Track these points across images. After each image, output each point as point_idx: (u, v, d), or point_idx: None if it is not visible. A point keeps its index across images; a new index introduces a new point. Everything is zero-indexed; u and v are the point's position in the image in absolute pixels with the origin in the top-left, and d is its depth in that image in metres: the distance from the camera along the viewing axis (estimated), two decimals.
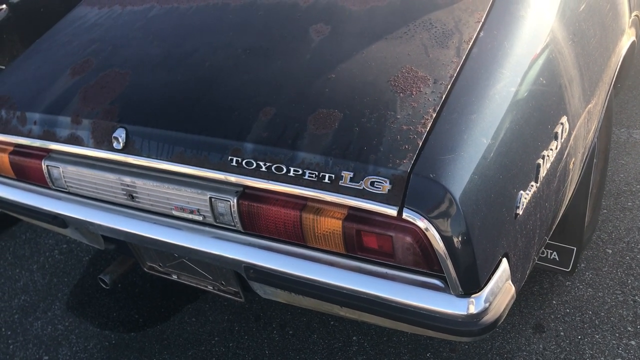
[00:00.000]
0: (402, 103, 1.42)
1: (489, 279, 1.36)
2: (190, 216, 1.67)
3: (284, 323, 2.52)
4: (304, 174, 1.40)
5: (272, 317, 2.56)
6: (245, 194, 1.55)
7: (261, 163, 1.46)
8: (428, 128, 1.36)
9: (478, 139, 1.35)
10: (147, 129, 1.65)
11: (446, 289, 1.35)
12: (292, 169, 1.42)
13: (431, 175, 1.29)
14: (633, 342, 2.19)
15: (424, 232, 1.30)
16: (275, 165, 1.44)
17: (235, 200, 1.55)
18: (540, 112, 1.54)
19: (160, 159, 1.63)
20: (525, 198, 1.44)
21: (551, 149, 1.55)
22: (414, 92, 1.44)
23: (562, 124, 1.60)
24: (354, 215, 1.40)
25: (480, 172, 1.33)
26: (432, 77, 1.46)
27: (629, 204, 2.80)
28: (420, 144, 1.33)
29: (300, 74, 1.59)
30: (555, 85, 1.60)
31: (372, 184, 1.33)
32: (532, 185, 1.47)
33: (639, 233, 2.62)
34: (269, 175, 1.46)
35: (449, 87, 1.43)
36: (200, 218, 1.65)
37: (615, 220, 2.71)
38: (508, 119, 1.43)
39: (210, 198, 1.59)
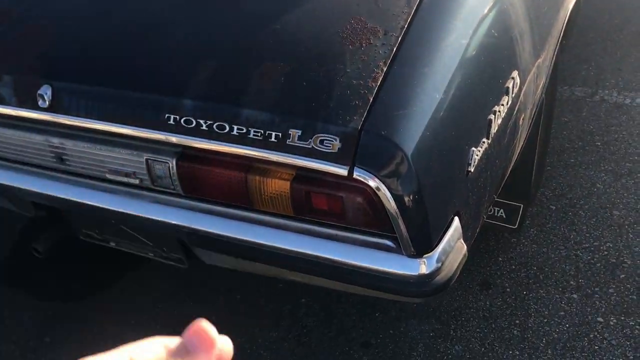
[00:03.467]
0: (351, 56, 1.34)
1: (441, 238, 1.32)
2: (125, 179, 1.56)
3: (231, 288, 2.46)
4: (248, 132, 1.32)
5: (219, 283, 2.49)
6: (185, 155, 1.45)
7: (201, 121, 1.36)
8: (379, 83, 1.29)
9: (430, 94, 1.29)
10: (75, 85, 1.52)
11: (397, 249, 1.31)
12: (235, 127, 1.33)
13: (382, 133, 1.22)
14: (575, 296, 2.24)
15: (375, 192, 1.24)
16: (216, 124, 1.35)
17: (174, 162, 1.45)
18: (492, 66, 1.50)
19: (91, 118, 1.50)
20: (477, 155, 1.40)
21: (502, 104, 1.51)
22: (363, 44, 1.36)
23: (513, 78, 1.56)
24: (303, 176, 1.32)
25: (432, 128, 1.27)
26: (383, 29, 1.38)
27: (572, 160, 2.83)
28: (371, 99, 1.26)
29: (241, 24, 1.49)
30: (506, 38, 1.55)
31: (321, 142, 1.25)
32: (484, 142, 1.43)
33: (581, 189, 2.66)
34: (210, 135, 1.36)
35: (399, 39, 1.36)
36: (137, 182, 1.55)
37: (558, 177, 2.74)
38: (460, 72, 1.37)
39: (147, 160, 1.49)
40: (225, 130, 1.34)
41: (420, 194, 1.24)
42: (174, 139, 1.40)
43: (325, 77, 1.32)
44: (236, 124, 1.33)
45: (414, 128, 1.24)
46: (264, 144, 1.31)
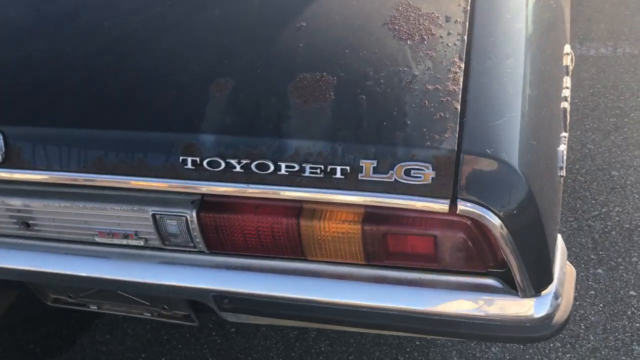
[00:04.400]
0: (414, 53, 1.05)
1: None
2: (125, 242, 1.20)
3: (221, 321, 2.13)
4: (302, 169, 1.01)
5: (205, 316, 2.15)
6: (207, 203, 1.11)
7: (233, 161, 1.03)
8: (461, 85, 1.01)
9: (524, 91, 1.03)
10: (39, 129, 1.14)
11: (506, 289, 1.06)
12: (283, 165, 1.01)
13: (488, 151, 0.95)
14: (600, 271, 2.10)
15: (482, 226, 0.97)
16: (256, 163, 1.02)
17: (193, 214, 1.11)
18: (555, 44, 1.26)
19: (64, 171, 1.13)
20: (564, 154, 1.16)
21: (567, 87, 1.27)
22: (425, 37, 1.07)
23: (568, 54, 1.32)
24: (375, 215, 1.03)
25: (533, 134, 1.02)
26: (442, 14, 1.10)
27: None
28: (459, 108, 0.99)
29: (255, 25, 1.15)
30: (559, 7, 1.32)
31: (407, 172, 0.97)
32: (564, 137, 1.19)
33: (573, 153, 2.52)
34: (247, 178, 1.04)
35: (467, 25, 1.08)
36: (141, 243, 1.20)
37: None
38: (538, 58, 1.12)
39: (154, 215, 1.14)
40: (270, 170, 1.02)
41: (538, 218, 0.99)
42: (204, 187, 1.06)
43: (389, 85, 1.02)
44: (284, 161, 1.01)
45: (518, 138, 0.98)
46: (327, 182, 1.00)
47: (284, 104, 1.04)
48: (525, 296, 1.04)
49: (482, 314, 1.05)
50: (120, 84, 1.13)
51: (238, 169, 1.03)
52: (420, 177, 0.96)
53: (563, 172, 1.14)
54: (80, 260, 1.27)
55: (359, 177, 0.99)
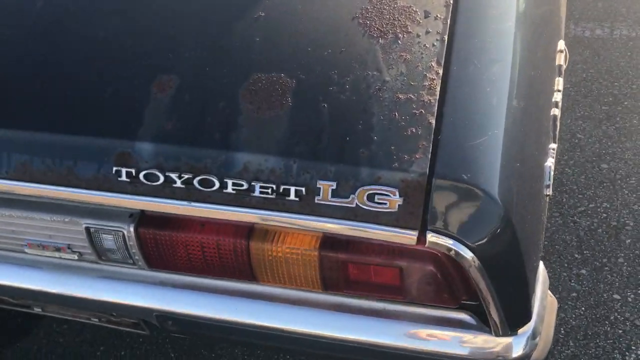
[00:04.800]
0: (386, 54, 0.91)
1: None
2: (56, 255, 1.07)
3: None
4: (252, 188, 0.87)
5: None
6: (145, 216, 0.98)
7: (173, 175, 0.89)
8: (438, 95, 0.87)
9: (510, 104, 0.90)
10: None
11: (479, 327, 0.94)
12: (230, 182, 0.88)
13: (464, 177, 0.82)
14: (584, 271, 2.00)
15: (454, 259, 0.85)
16: (199, 178, 0.89)
17: (131, 229, 0.98)
18: (548, 42, 1.12)
19: None
20: (552, 169, 1.03)
21: (559, 90, 1.14)
22: (400, 35, 0.93)
23: (561, 51, 1.19)
24: (335, 240, 0.91)
25: (518, 154, 0.89)
26: (421, 8, 0.95)
27: None
28: (434, 123, 0.85)
29: (206, 13, 1.00)
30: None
31: (370, 197, 0.84)
32: (553, 150, 1.06)
33: (562, 142, 2.40)
34: (190, 195, 0.90)
35: (449, 23, 0.94)
36: (74, 257, 1.06)
37: None
38: (529, 63, 0.98)
39: (88, 228, 1.00)
40: (214, 188, 0.89)
41: (518, 252, 0.87)
42: (136, 202, 0.92)
43: (356, 93, 0.88)
44: (231, 177, 0.88)
45: (499, 160, 0.85)
46: (279, 204, 0.87)
47: (234, 110, 0.90)
48: (499, 335, 0.92)
49: (452, 351, 0.93)
50: (47, 79, 0.97)
51: (179, 184, 0.89)
52: (385, 203, 0.83)
53: (549, 191, 1.01)
54: (9, 269, 1.13)
55: (316, 200, 0.85)
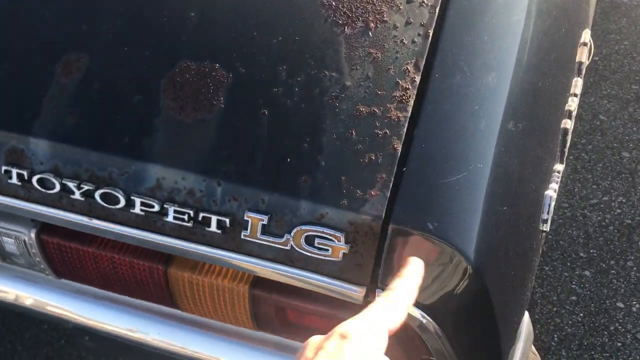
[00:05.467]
0: (350, 50, 0.71)
1: None
2: None
3: None
4: (164, 212, 0.69)
5: None
6: (50, 225, 0.81)
7: (71, 185, 0.71)
8: (410, 111, 0.67)
9: (504, 127, 0.69)
10: None
11: None
12: (138, 200, 0.69)
13: (430, 226, 0.63)
14: (587, 273, 1.82)
15: (410, 325, 0.67)
16: (102, 191, 0.70)
17: (32, 235, 0.81)
18: (569, 37, 0.90)
19: None
20: (553, 199, 0.83)
21: (575, 95, 0.92)
22: (371, 25, 0.72)
23: (585, 44, 0.96)
24: (268, 280, 0.73)
25: (507, 194, 0.69)
26: None
27: None
28: (400, 149, 0.65)
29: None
30: None
31: (309, 241, 0.65)
32: (558, 173, 0.86)
33: (582, 123, 2.17)
34: (91, 210, 0.72)
35: (437, 11, 0.72)
36: None
37: None
38: (539, 70, 0.77)
39: None
40: (119, 205, 0.70)
41: (493, 320, 0.69)
42: (29, 210, 0.75)
43: (306, 99, 0.68)
44: (140, 195, 0.69)
45: (480, 206, 0.66)
46: (198, 235, 0.69)
47: (152, 107, 0.71)
48: None
49: None
50: None
51: (77, 195, 0.71)
52: (327, 250, 0.65)
53: (547, 227, 0.82)
54: None
55: (242, 236, 0.67)
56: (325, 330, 0.64)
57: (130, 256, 0.78)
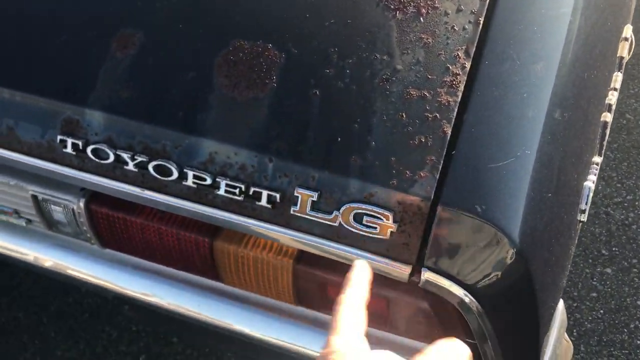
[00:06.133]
0: (401, 34, 0.72)
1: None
2: (2, 218, 0.94)
3: None
4: (216, 185, 0.71)
5: None
6: (100, 194, 0.83)
7: (125, 156, 0.74)
8: (460, 96, 0.69)
9: (550, 115, 0.71)
10: None
11: None
12: (191, 173, 0.72)
13: (478, 208, 0.65)
14: (609, 270, 1.82)
15: (449, 302, 0.69)
16: (155, 163, 0.73)
17: (81, 205, 0.84)
18: (612, 31, 0.91)
19: None
20: (592, 190, 0.85)
21: (615, 89, 0.93)
22: (423, 10, 0.73)
23: (626, 39, 0.97)
24: (313, 254, 0.75)
25: (551, 181, 0.71)
26: None
27: None
28: (449, 133, 0.67)
29: None
30: None
31: (357, 218, 0.67)
32: (597, 165, 0.87)
33: (616, 125, 2.16)
34: (144, 181, 0.74)
35: (487, 0, 0.74)
36: (22, 223, 0.93)
37: None
38: (583, 62, 0.78)
39: (34, 196, 0.86)
40: (172, 177, 0.73)
41: (533, 302, 0.70)
42: (82, 179, 0.77)
43: (357, 81, 0.70)
44: (193, 168, 0.71)
45: (526, 190, 0.67)
46: (248, 209, 0.71)
47: (206, 84, 0.73)
48: None
49: None
50: None
51: (131, 166, 0.74)
52: (375, 228, 0.66)
53: (584, 217, 0.83)
54: None
55: (291, 211, 0.69)
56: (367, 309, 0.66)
57: (176, 228, 0.80)
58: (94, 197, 0.83)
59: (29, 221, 0.92)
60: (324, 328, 0.84)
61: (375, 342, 0.78)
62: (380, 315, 0.77)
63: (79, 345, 1.79)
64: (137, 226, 0.82)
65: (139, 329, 1.82)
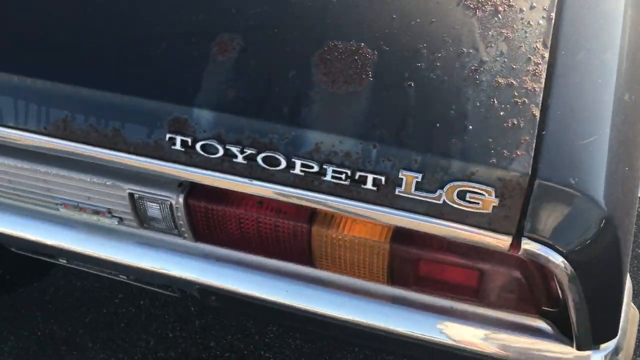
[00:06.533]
0: (484, 30, 0.80)
1: None
2: (94, 219, 0.99)
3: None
4: (323, 172, 0.77)
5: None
6: (196, 187, 0.89)
7: (234, 149, 0.80)
8: (544, 83, 0.76)
9: (621, 99, 0.79)
10: None
11: (557, 336, 0.86)
12: (298, 162, 0.78)
13: (571, 181, 0.72)
14: None
15: (544, 268, 0.76)
16: (264, 155, 0.79)
17: (180, 200, 0.89)
18: None
19: (23, 130, 0.89)
20: None
21: None
22: (500, 8, 0.81)
23: None
24: (409, 233, 0.82)
25: (627, 157, 0.79)
26: None
27: None
28: (538, 115, 0.75)
29: None
30: None
31: (460, 195, 0.74)
32: None
33: None
34: (252, 172, 0.80)
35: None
36: (114, 222, 0.98)
37: None
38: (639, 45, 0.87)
39: (131, 194, 0.92)
40: (280, 167, 0.79)
41: (618, 264, 0.78)
42: (190, 174, 0.83)
43: (448, 72, 0.77)
44: (300, 157, 0.78)
45: (606, 165, 0.75)
46: (353, 192, 0.77)
47: (306, 81, 0.79)
48: (580, 348, 0.84)
49: None
50: (98, 32, 0.86)
51: (240, 159, 0.80)
52: (478, 203, 0.74)
53: None
54: (43, 226, 1.05)
55: (396, 192, 0.76)
56: (455, 282, 0.73)
57: (274, 217, 0.86)
58: (191, 191, 0.89)
59: (120, 220, 0.97)
60: (412, 307, 0.90)
61: (459, 316, 0.85)
62: (470, 287, 0.83)
63: (117, 354, 1.83)
64: (234, 217, 0.88)
65: (176, 335, 1.86)
